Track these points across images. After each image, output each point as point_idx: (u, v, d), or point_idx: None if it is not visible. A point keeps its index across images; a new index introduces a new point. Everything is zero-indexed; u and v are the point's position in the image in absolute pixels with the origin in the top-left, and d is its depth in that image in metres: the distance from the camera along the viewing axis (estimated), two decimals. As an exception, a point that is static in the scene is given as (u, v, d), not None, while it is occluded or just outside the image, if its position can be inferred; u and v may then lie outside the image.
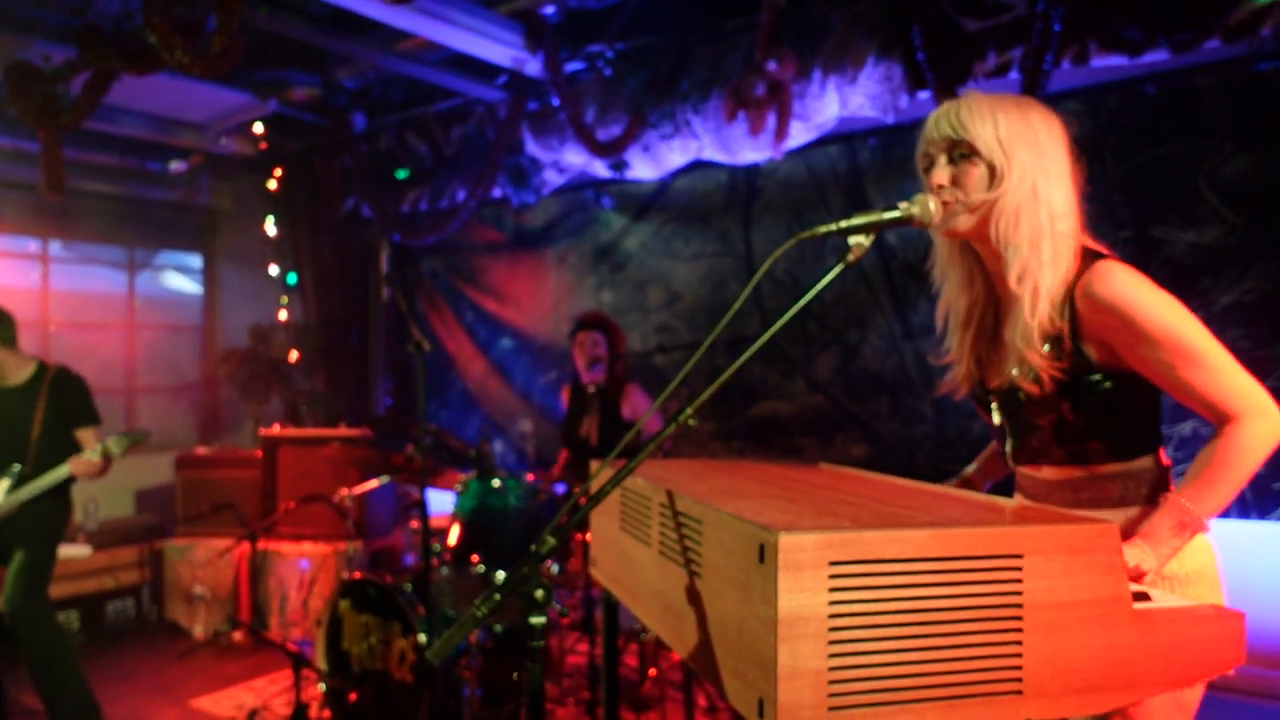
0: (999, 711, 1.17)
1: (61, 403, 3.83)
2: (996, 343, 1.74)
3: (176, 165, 6.94)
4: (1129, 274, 1.53)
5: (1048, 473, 1.68)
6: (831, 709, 1.11)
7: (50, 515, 3.81)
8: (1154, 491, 1.60)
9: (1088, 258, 1.58)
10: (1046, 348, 1.58)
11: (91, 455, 3.66)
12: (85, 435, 3.88)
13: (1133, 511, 1.59)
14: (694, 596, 1.40)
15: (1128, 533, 1.54)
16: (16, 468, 3.72)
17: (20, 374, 3.82)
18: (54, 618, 3.80)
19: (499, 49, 4.67)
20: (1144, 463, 1.61)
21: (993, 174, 1.58)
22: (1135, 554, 1.47)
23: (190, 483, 5.74)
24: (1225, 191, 3.47)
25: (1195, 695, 1.51)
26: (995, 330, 1.75)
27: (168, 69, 4.19)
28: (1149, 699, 1.45)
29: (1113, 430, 1.60)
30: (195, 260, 7.51)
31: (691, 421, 1.46)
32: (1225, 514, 1.54)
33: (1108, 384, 1.57)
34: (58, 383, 3.85)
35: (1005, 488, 1.82)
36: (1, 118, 5.14)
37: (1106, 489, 1.62)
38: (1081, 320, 1.55)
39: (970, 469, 2.05)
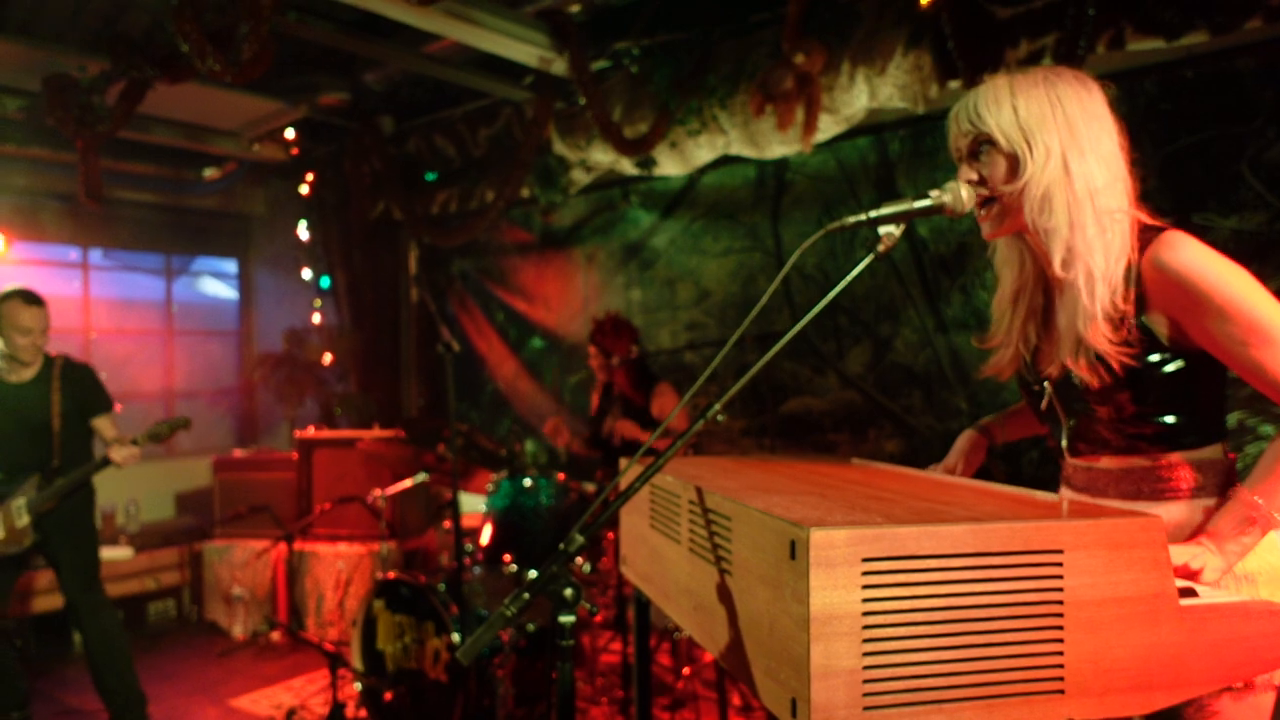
0: (1040, 711, 1.14)
1: (75, 392, 3.90)
2: (1049, 327, 1.66)
3: (211, 172, 7.04)
4: (1198, 244, 1.45)
5: (1107, 462, 1.59)
6: (866, 709, 1.09)
7: (82, 506, 3.92)
8: (1223, 484, 1.51)
9: (1147, 231, 1.50)
10: (1112, 331, 1.48)
11: (131, 445, 3.76)
12: (101, 423, 3.96)
13: (1196, 505, 1.51)
14: (724, 594, 1.38)
15: (1191, 528, 1.48)
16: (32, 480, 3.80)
17: (27, 370, 3.87)
18: (112, 606, 3.95)
19: (525, 49, 4.67)
20: (1208, 453, 1.52)
21: (1016, 163, 1.51)
22: (1197, 553, 1.40)
23: (228, 485, 5.82)
24: (1269, 176, 3.37)
25: (1269, 700, 1.43)
26: (1046, 314, 1.68)
27: (200, 77, 4.24)
28: (1221, 710, 1.39)
29: (1175, 416, 1.51)
30: (231, 266, 7.62)
31: (720, 418, 1.44)
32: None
33: (1172, 366, 1.48)
34: (67, 372, 3.91)
35: (1042, 474, 1.77)
36: (40, 128, 5.24)
37: (1171, 480, 1.52)
38: (1149, 294, 1.47)
39: (988, 419, 1.99)
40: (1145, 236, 1.50)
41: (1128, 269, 1.49)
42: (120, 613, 5.22)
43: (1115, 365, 1.49)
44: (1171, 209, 3.54)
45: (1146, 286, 1.48)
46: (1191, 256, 1.44)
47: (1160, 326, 1.48)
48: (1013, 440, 1.98)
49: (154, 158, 6.59)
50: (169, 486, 6.71)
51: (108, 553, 5.31)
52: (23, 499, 3.71)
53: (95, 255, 6.76)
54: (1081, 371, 1.53)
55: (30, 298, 3.78)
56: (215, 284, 7.66)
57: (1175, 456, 1.53)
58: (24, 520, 3.70)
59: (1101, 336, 1.49)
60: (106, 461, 3.79)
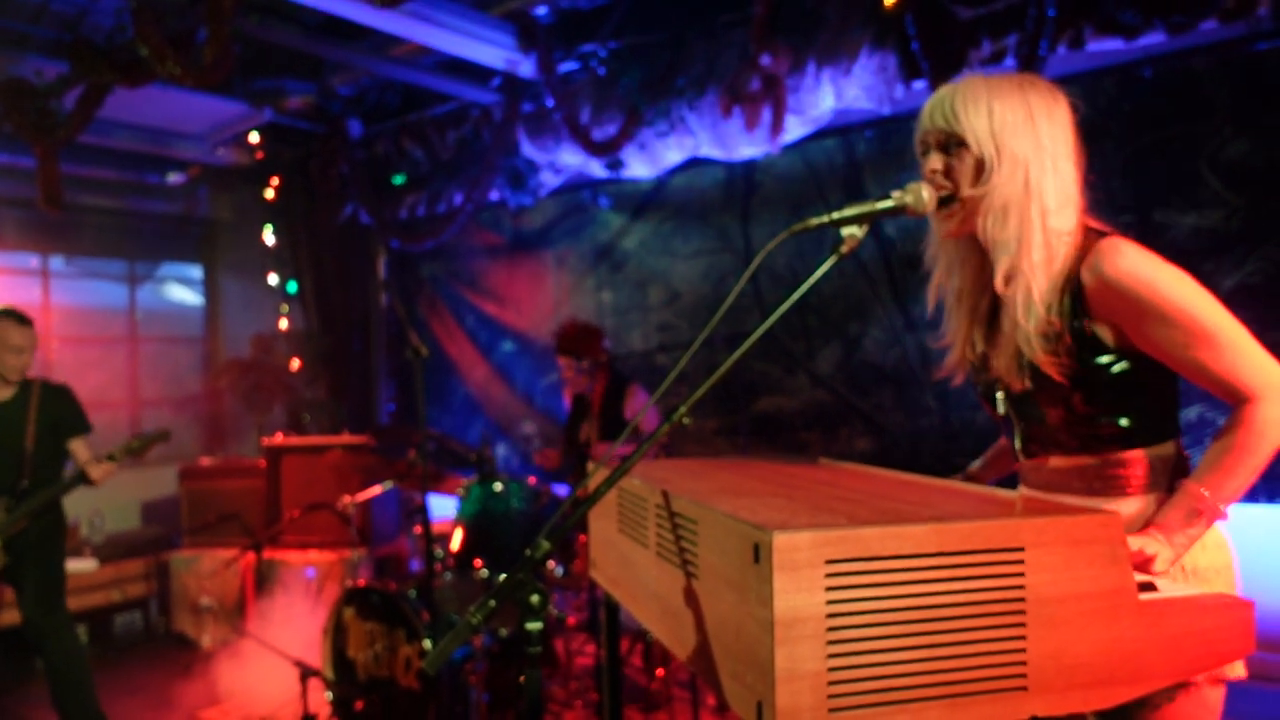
0: (1004, 708, 1.14)
1: (52, 414, 3.84)
2: (994, 331, 1.68)
3: (174, 177, 6.95)
4: (1136, 250, 1.46)
5: (1057, 461, 1.61)
6: (831, 710, 1.09)
7: (52, 527, 3.85)
8: (1173, 480, 1.53)
9: (1090, 238, 1.51)
10: (1049, 346, 1.51)
11: (108, 460, 3.73)
12: (77, 445, 3.90)
13: (1150, 500, 1.52)
14: (691, 598, 1.38)
15: (1144, 522, 1.49)
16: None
17: (7, 389, 3.83)
18: (74, 628, 3.88)
19: (492, 51, 4.65)
20: (1161, 450, 1.53)
21: (983, 167, 1.53)
22: (1149, 544, 1.41)
23: (195, 494, 5.74)
24: (1226, 174, 3.43)
25: (1218, 695, 1.45)
26: (992, 317, 1.69)
27: (160, 80, 4.18)
28: (1171, 706, 1.41)
29: (1126, 416, 1.52)
30: (196, 272, 7.52)
31: (686, 420, 1.44)
32: (1231, 499, 1.49)
33: (1120, 366, 1.50)
34: (46, 394, 3.87)
35: (1011, 484, 1.78)
36: (-4, 134, 5.14)
37: (1120, 477, 1.54)
38: (1089, 300, 1.48)
39: (975, 465, 2.00)
40: (1085, 244, 1.51)
41: (1067, 279, 1.51)
42: (83, 628, 5.18)
43: (1056, 376, 1.51)
44: (1133, 206, 3.62)
45: (1087, 295, 1.49)
46: (1130, 264, 1.45)
47: (1106, 332, 1.50)
48: (1001, 478, 1.98)
49: (116, 163, 6.48)
50: (134, 496, 6.60)
51: (72, 565, 5.21)
52: None
53: (56, 262, 6.64)
54: (1011, 380, 1.56)
55: (21, 318, 3.77)
56: (180, 290, 7.55)
57: (1125, 454, 1.54)
58: None
59: (1039, 352, 1.51)
60: (81, 478, 3.73)
